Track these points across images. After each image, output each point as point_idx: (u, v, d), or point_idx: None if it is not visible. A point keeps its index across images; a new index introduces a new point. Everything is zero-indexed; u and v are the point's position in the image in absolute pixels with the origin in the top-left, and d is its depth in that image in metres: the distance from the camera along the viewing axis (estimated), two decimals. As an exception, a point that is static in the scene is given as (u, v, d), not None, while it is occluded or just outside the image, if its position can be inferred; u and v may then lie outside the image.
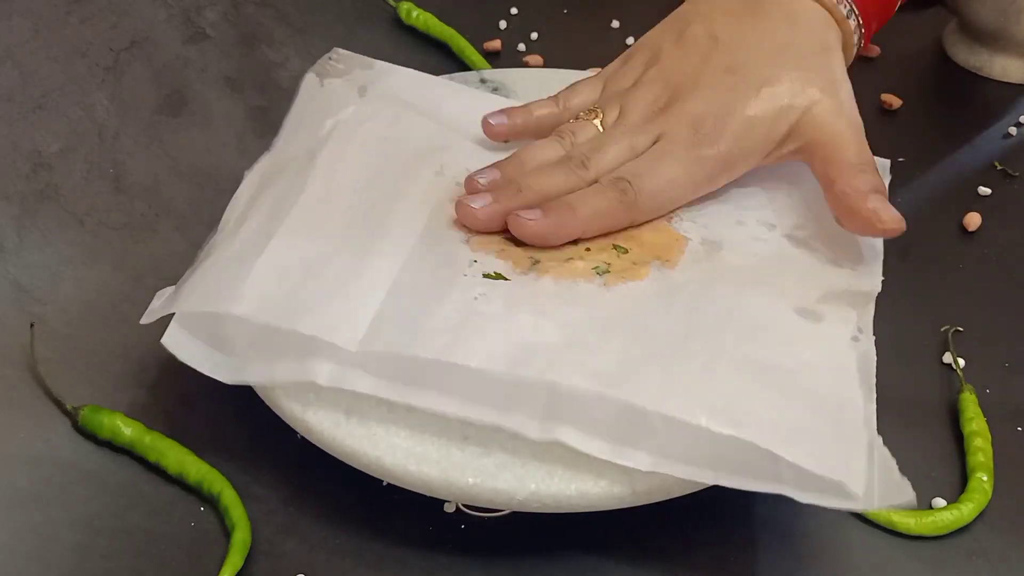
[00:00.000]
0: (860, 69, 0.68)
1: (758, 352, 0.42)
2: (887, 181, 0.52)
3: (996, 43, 0.68)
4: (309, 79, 0.56)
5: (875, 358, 0.43)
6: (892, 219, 0.46)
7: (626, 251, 0.47)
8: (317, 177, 0.50)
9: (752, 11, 0.51)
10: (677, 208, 0.50)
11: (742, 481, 0.39)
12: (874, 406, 0.41)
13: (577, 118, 0.52)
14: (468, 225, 0.48)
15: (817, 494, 0.39)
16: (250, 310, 0.42)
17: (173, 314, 0.44)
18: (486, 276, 0.45)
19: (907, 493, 0.39)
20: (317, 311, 0.43)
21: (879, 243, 0.49)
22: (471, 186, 0.49)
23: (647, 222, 0.49)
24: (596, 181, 0.48)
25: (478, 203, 0.48)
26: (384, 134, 0.53)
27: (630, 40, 0.73)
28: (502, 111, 0.54)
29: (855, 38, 0.52)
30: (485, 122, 0.53)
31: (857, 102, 0.50)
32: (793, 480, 0.39)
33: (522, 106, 0.54)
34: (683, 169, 0.48)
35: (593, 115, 0.51)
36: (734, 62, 0.50)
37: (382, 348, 0.41)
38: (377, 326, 0.42)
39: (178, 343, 0.44)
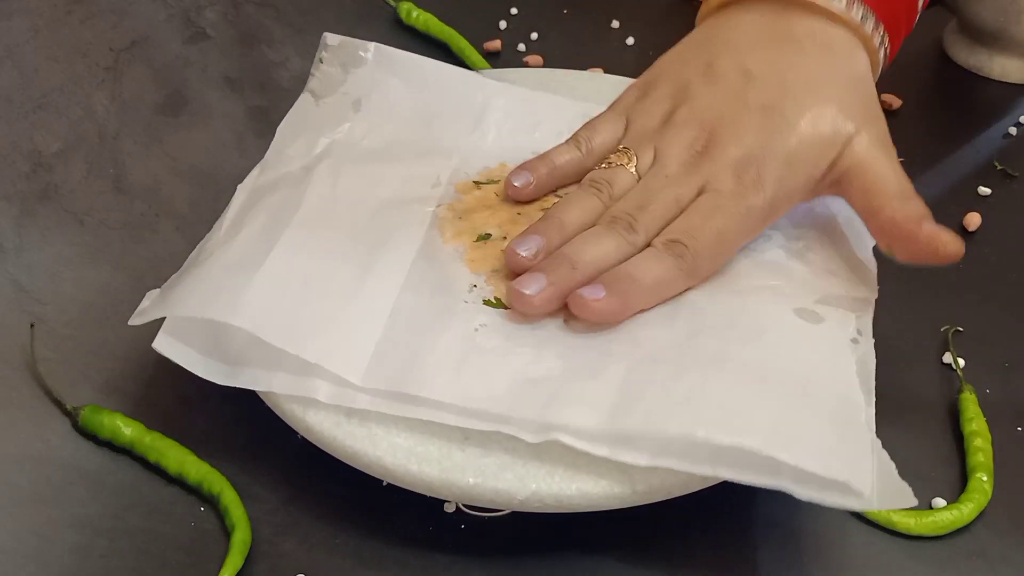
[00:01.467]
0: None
1: (759, 355, 0.42)
2: None
3: (996, 43, 0.68)
4: (304, 98, 0.56)
5: (874, 361, 0.43)
6: (952, 241, 0.45)
7: None
8: (314, 192, 0.50)
9: (781, 41, 0.49)
10: None
11: (742, 475, 0.39)
12: (873, 409, 0.41)
13: (609, 163, 0.49)
14: (525, 313, 0.44)
15: (818, 491, 0.39)
16: (251, 323, 0.42)
17: (165, 316, 0.44)
18: (487, 303, 0.45)
19: (908, 497, 0.39)
20: (320, 335, 0.43)
21: (871, 255, 0.49)
22: (514, 261, 0.46)
23: None
24: (648, 244, 0.46)
25: (532, 288, 0.44)
26: (380, 151, 0.53)
27: (630, 40, 0.73)
28: (522, 168, 0.51)
29: (880, 55, 0.51)
30: (508, 184, 0.50)
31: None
32: (793, 477, 0.39)
33: (542, 156, 0.51)
34: (733, 224, 0.46)
35: (625, 158, 0.49)
36: (770, 100, 0.48)
37: (384, 386, 0.42)
38: (379, 359, 0.43)
39: (171, 346, 0.44)
